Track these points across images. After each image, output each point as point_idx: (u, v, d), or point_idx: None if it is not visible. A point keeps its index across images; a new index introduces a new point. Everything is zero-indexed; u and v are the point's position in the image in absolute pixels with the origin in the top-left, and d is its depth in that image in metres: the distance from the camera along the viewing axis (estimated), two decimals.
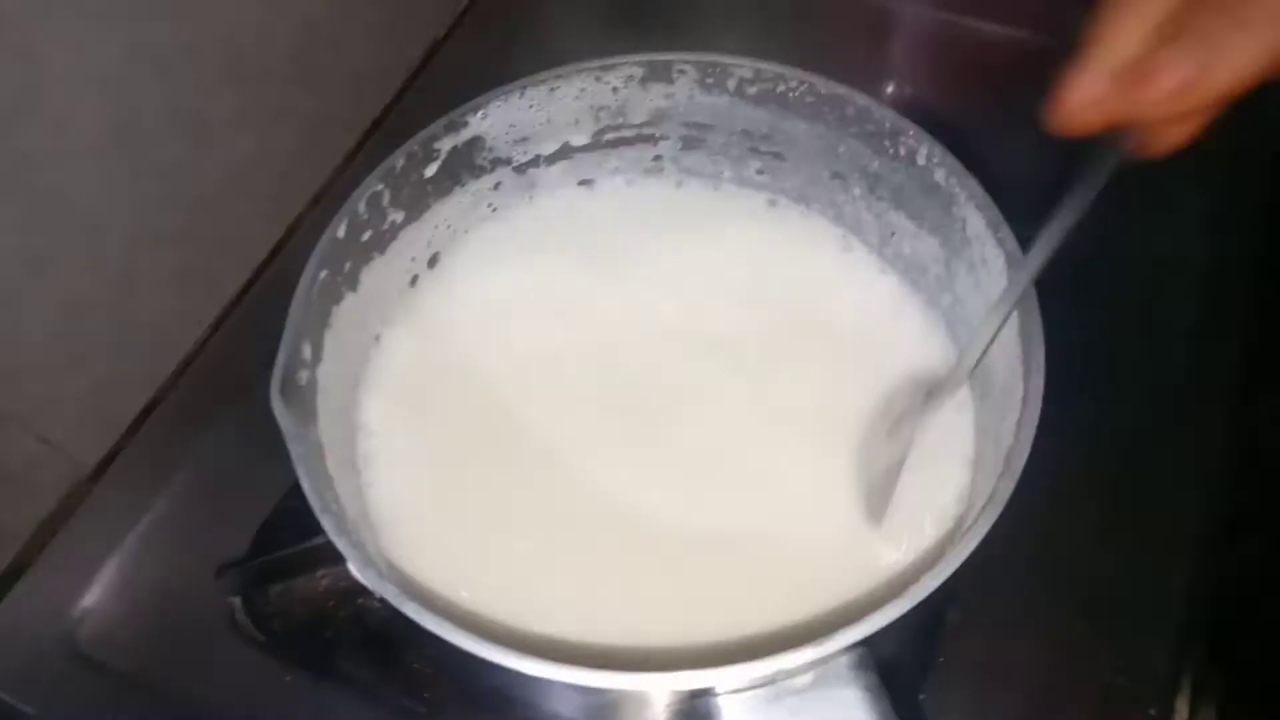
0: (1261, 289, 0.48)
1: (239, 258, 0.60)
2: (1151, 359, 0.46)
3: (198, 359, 0.53)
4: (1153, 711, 0.39)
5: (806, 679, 0.28)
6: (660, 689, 0.28)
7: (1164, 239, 0.50)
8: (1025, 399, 0.32)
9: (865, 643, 0.28)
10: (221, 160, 0.59)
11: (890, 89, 0.57)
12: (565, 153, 0.44)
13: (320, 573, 0.42)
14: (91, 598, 0.43)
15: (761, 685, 0.28)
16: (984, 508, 0.30)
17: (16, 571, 0.46)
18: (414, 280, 0.44)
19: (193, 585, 0.43)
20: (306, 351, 0.35)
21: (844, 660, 0.29)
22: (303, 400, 0.34)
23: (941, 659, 0.40)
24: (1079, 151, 0.54)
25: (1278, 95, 0.28)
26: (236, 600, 0.43)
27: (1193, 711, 0.39)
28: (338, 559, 0.41)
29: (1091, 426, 0.42)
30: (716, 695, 0.28)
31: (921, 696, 0.39)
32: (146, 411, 0.53)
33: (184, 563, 0.44)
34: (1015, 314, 0.34)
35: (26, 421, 0.53)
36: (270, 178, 0.63)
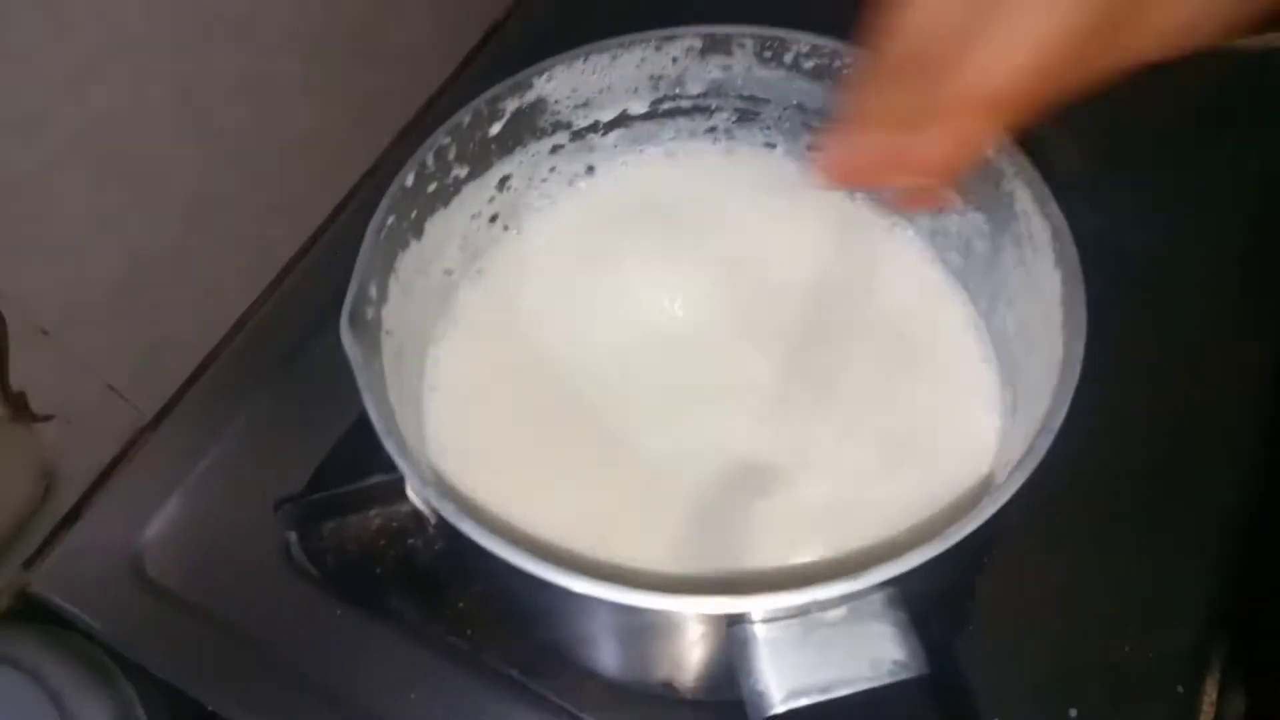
0: None
1: (293, 225, 0.62)
2: (1188, 350, 0.47)
3: (256, 315, 0.56)
4: (1180, 689, 0.40)
5: (840, 613, 0.30)
6: (700, 612, 0.30)
7: (1203, 235, 0.51)
8: (1065, 361, 0.33)
9: (899, 584, 0.30)
10: (283, 129, 0.61)
11: None
12: (623, 120, 0.46)
13: (373, 512, 0.44)
14: (157, 527, 0.46)
15: (796, 616, 0.30)
16: (1018, 464, 0.32)
17: (83, 504, 0.49)
18: (478, 241, 0.46)
19: (252, 520, 0.45)
20: (373, 291, 0.37)
21: (877, 597, 0.30)
22: (368, 334, 0.36)
23: (970, 627, 0.41)
24: (1120, 135, 0.55)
25: None
26: (292, 535, 0.45)
27: (1221, 691, 0.40)
28: (390, 498, 0.44)
29: (1131, 409, 0.44)
30: (753, 623, 0.30)
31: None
32: (206, 363, 0.56)
33: (244, 499, 0.46)
34: (1058, 275, 0.36)
35: (93, 366, 0.56)
36: (327, 149, 0.65)
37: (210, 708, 0.42)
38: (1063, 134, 0.55)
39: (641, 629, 0.34)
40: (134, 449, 0.50)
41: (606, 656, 0.40)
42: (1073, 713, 0.40)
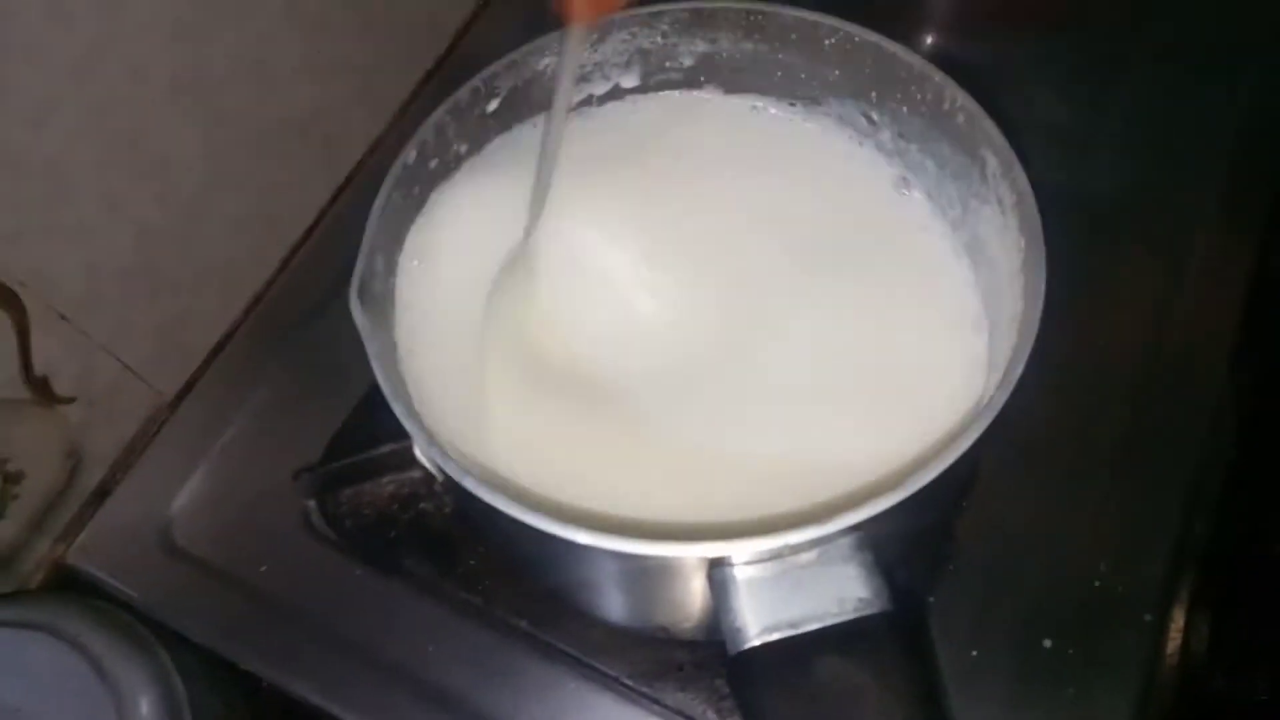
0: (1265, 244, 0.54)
1: (299, 200, 0.67)
2: (1159, 291, 0.52)
3: (267, 294, 0.61)
4: (1149, 618, 0.44)
5: (811, 555, 0.34)
6: (684, 555, 0.35)
7: (1176, 177, 0.55)
8: (1023, 322, 0.38)
9: (865, 528, 0.34)
10: (284, 107, 0.65)
11: (929, 40, 0.62)
12: (616, 94, 0.51)
13: (386, 478, 0.50)
14: (183, 500, 0.52)
15: (771, 559, 0.34)
16: (977, 416, 0.36)
17: (113, 481, 0.55)
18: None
19: (272, 490, 0.51)
20: (379, 264, 0.42)
21: (846, 541, 0.34)
22: (376, 305, 0.40)
23: (950, 566, 0.46)
24: (1109, 97, 0.59)
25: None
26: (311, 502, 0.50)
27: (1188, 619, 0.44)
28: (401, 465, 0.49)
29: (1102, 350, 0.48)
30: (732, 565, 0.34)
31: (930, 599, 0.45)
32: (222, 343, 0.60)
33: (264, 470, 0.52)
34: (1022, 240, 0.40)
35: (110, 348, 0.61)
36: (328, 125, 0.69)
37: (241, 666, 0.48)
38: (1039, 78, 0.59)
39: (633, 574, 0.39)
40: (159, 428, 0.56)
41: (606, 603, 0.45)
42: (1047, 643, 0.44)
